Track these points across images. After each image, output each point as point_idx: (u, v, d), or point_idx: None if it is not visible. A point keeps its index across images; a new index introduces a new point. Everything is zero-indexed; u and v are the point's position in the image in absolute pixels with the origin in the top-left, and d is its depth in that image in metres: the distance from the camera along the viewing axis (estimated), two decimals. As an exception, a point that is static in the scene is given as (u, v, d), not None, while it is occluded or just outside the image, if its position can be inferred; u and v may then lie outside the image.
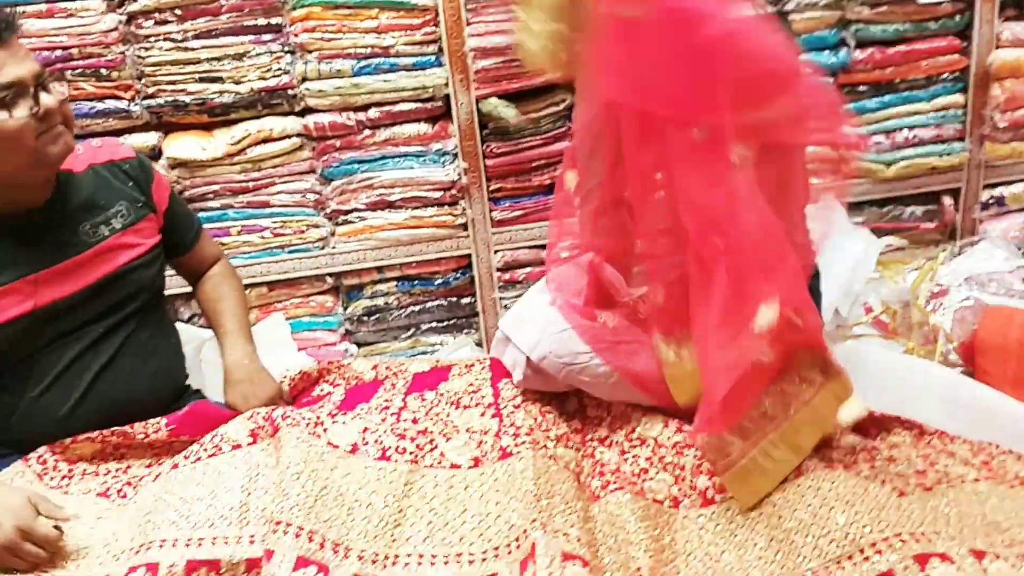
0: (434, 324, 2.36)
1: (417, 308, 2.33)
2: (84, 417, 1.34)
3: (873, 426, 1.39)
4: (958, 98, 2.29)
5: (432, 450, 1.22)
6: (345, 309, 2.33)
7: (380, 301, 2.32)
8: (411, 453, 1.20)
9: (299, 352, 2.25)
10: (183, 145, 2.13)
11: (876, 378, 1.76)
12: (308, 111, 2.16)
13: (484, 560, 1.02)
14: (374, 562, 1.03)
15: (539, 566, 0.93)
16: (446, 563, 1.04)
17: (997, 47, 2.23)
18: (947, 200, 2.37)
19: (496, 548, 1.03)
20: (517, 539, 1.02)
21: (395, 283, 2.32)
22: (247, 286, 2.24)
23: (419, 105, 2.16)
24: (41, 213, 1.34)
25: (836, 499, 1.05)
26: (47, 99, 1.24)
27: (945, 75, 2.28)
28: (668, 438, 1.23)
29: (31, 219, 1.33)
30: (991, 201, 2.39)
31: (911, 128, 2.30)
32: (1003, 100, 2.25)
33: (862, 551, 0.96)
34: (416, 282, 2.32)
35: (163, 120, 2.15)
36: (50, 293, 1.32)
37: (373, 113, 2.15)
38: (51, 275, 1.33)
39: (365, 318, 2.33)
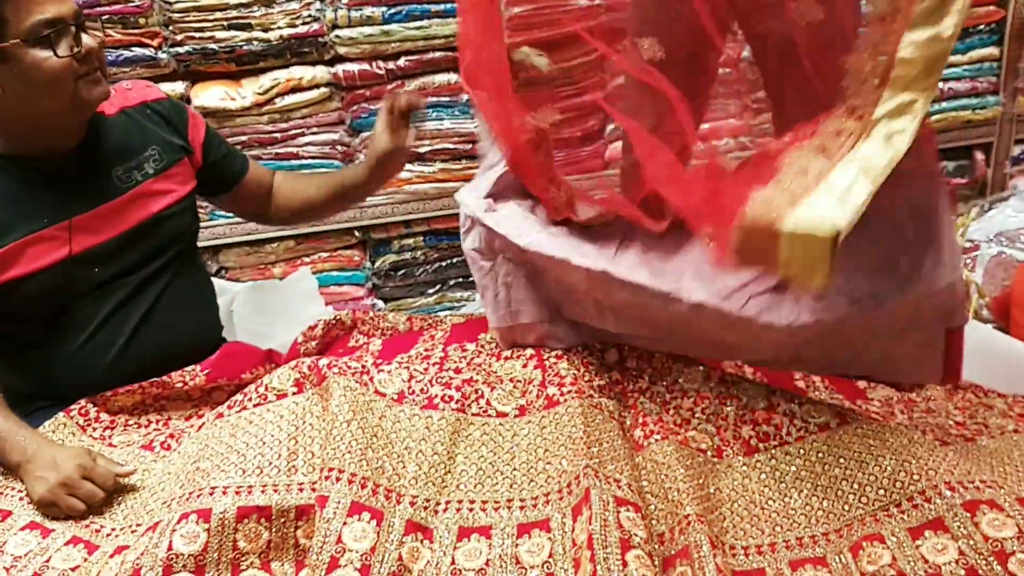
0: (460, 279, 2.36)
1: (444, 263, 2.33)
2: (125, 368, 1.35)
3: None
4: (993, 51, 2.26)
5: (478, 399, 1.22)
6: (372, 264, 2.34)
7: (407, 256, 2.33)
8: (457, 402, 1.21)
9: (327, 306, 2.26)
10: (211, 94, 2.12)
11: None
12: (338, 59, 2.14)
13: (535, 506, 1.04)
14: (426, 508, 1.05)
15: (594, 512, 0.94)
16: (497, 509, 1.05)
17: (1037, -1, 2.19)
18: (979, 155, 2.35)
19: (547, 494, 1.05)
20: (568, 485, 1.04)
21: (422, 237, 2.32)
22: (273, 239, 2.25)
23: (450, 53, 2.14)
24: (73, 158, 1.33)
25: (881, 447, 1.06)
26: (88, 40, 1.22)
27: (981, 27, 2.24)
28: (711, 389, 1.24)
29: (64, 164, 1.32)
30: (1022, 155, 2.37)
31: (945, 80, 2.27)
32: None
33: (911, 499, 0.97)
34: (443, 237, 2.32)
35: (191, 69, 2.14)
36: (85, 240, 1.32)
37: (403, 62, 2.13)
38: (85, 221, 1.32)
39: (392, 273, 2.34)
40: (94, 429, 1.31)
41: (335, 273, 2.32)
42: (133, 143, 1.39)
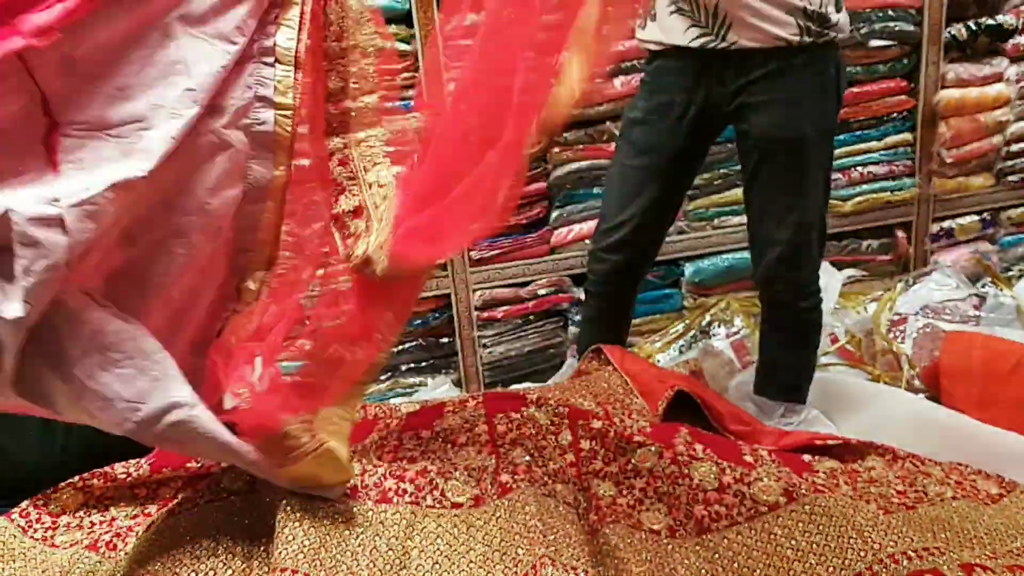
0: (412, 365, 2.37)
1: (396, 349, 2.34)
2: (69, 459, 1.33)
3: (848, 451, 1.46)
4: (907, 136, 2.42)
5: (432, 490, 1.23)
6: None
7: (358, 342, 2.33)
8: (411, 495, 1.21)
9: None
10: None
11: (846, 405, 1.83)
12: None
13: None
14: None
15: None
16: None
17: (942, 87, 2.37)
18: (900, 233, 2.49)
19: None
20: (526, 574, 1.05)
21: (372, 323, 2.34)
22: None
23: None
24: None
25: (828, 523, 1.10)
26: None
27: (894, 115, 2.41)
28: (663, 468, 1.27)
29: None
30: (941, 233, 2.52)
31: (864, 165, 2.42)
32: (949, 137, 2.38)
33: (859, 574, 1.01)
34: (393, 322, 2.34)
35: None
36: None
37: (351, 156, 2.18)
38: None
39: (343, 359, 2.33)
40: (35, 531, 1.27)
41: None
42: None
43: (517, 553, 1.08)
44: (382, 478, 1.24)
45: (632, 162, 1.68)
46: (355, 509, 1.17)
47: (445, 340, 2.37)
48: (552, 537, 1.09)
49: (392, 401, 1.78)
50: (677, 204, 1.81)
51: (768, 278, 1.68)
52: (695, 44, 1.53)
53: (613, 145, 2.23)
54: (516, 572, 1.05)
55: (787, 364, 1.77)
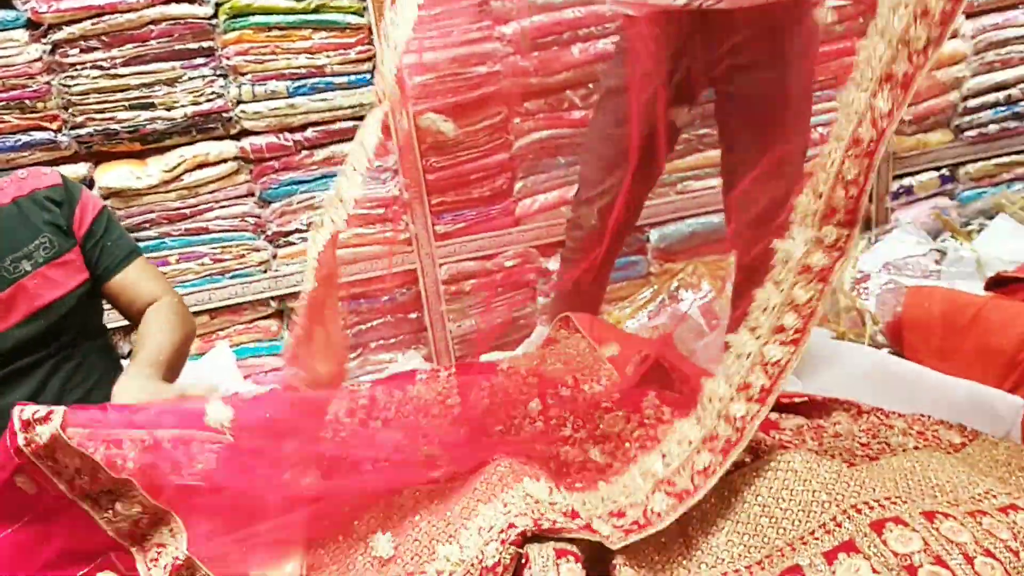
0: (382, 341, 2.36)
1: (364, 326, 2.34)
2: None
3: (814, 408, 1.48)
4: (865, 95, 2.44)
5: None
6: (290, 332, 2.32)
7: (326, 321, 2.32)
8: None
9: (245, 380, 2.22)
10: (116, 174, 2.09)
11: (811, 363, 1.86)
12: (244, 134, 2.15)
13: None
14: None
15: (535, 568, 0.96)
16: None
17: (898, 47, 2.38)
18: (861, 191, 2.51)
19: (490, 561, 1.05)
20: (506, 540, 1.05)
21: (339, 302, 2.32)
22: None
23: (357, 123, 2.17)
24: None
25: (794, 478, 1.11)
26: None
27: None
28: (631, 432, 1.28)
29: None
30: (900, 191, 2.55)
31: (825, 125, 2.43)
32: (906, 95, 2.40)
33: (823, 525, 1.02)
34: (362, 300, 2.33)
35: (93, 150, 2.11)
36: None
37: (310, 133, 2.15)
38: None
39: (312, 339, 2.32)
40: None
41: (253, 345, 2.29)
42: (22, 233, 1.36)
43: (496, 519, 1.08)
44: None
45: (612, 131, 1.67)
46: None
47: (414, 316, 2.36)
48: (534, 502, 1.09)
49: (361, 379, 1.77)
50: (657, 172, 1.81)
51: (744, 239, 1.69)
52: (680, 2, 1.50)
53: (574, 113, 2.23)
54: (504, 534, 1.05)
55: None
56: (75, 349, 1.41)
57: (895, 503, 1.03)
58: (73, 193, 1.44)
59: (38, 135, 2.04)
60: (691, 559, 1.08)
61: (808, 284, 1.08)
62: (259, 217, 2.21)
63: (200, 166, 2.12)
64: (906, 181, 2.54)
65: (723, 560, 1.06)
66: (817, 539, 1.02)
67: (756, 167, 1.63)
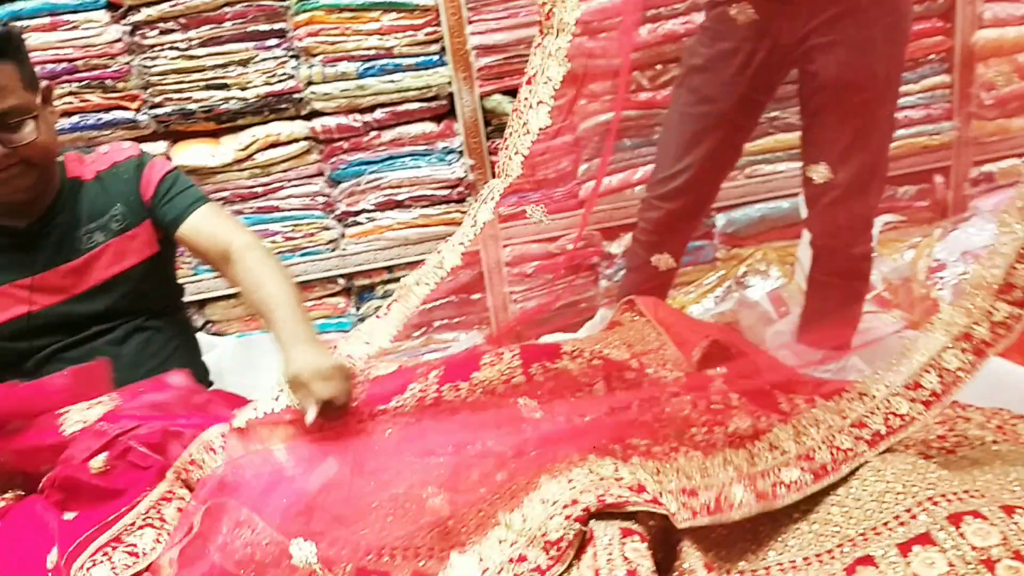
0: (446, 321, 2.39)
1: (428, 306, 2.35)
2: None
3: (887, 399, 1.45)
4: (944, 78, 2.35)
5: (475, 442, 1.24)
6: (358, 310, 2.36)
7: (391, 300, 2.35)
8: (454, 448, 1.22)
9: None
10: (191, 153, 2.15)
11: (884, 353, 1.81)
12: (315, 114, 2.18)
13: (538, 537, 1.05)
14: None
15: (599, 545, 0.96)
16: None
17: (980, 27, 2.29)
18: (938, 178, 2.43)
19: (554, 536, 1.05)
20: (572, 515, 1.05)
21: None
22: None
23: (424, 105, 2.19)
24: (42, 222, 1.36)
25: (867, 469, 1.10)
26: (6, 139, 1.24)
27: (931, 56, 2.34)
28: (697, 418, 1.27)
29: (30, 228, 1.36)
30: (980, 177, 2.46)
31: (901, 109, 2.36)
32: (988, 78, 2.31)
33: (897, 517, 1.00)
34: (426, 279, 2.35)
35: (171, 129, 2.17)
36: (45, 299, 1.34)
37: (379, 114, 2.18)
38: (45, 281, 1.34)
39: (377, 318, 2.35)
40: None
41: (321, 321, 2.34)
42: (100, 205, 1.41)
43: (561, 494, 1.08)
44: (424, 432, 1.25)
45: (693, 110, 1.65)
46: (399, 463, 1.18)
47: (477, 296, 2.38)
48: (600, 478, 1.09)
49: (426, 357, 1.79)
50: (737, 153, 1.78)
51: (823, 222, 1.66)
52: None
53: (641, 95, 2.20)
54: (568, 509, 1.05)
55: (832, 311, 1.75)
56: (147, 320, 1.45)
57: (973, 496, 1.01)
58: (143, 161, 1.47)
59: (118, 114, 2.11)
60: (759, 545, 1.07)
61: None
62: (328, 196, 2.25)
63: (272, 145, 2.17)
64: (987, 168, 2.44)
65: (791, 547, 1.05)
66: (891, 530, 1.00)
67: (834, 152, 1.59)
